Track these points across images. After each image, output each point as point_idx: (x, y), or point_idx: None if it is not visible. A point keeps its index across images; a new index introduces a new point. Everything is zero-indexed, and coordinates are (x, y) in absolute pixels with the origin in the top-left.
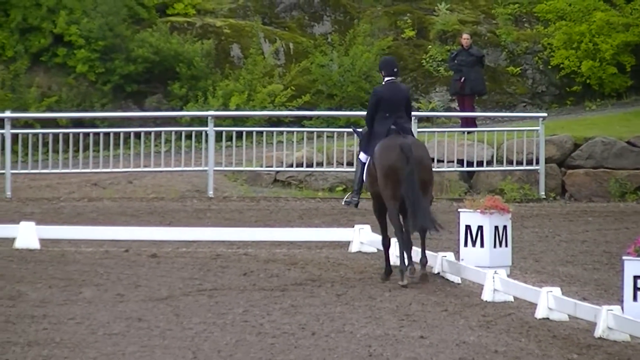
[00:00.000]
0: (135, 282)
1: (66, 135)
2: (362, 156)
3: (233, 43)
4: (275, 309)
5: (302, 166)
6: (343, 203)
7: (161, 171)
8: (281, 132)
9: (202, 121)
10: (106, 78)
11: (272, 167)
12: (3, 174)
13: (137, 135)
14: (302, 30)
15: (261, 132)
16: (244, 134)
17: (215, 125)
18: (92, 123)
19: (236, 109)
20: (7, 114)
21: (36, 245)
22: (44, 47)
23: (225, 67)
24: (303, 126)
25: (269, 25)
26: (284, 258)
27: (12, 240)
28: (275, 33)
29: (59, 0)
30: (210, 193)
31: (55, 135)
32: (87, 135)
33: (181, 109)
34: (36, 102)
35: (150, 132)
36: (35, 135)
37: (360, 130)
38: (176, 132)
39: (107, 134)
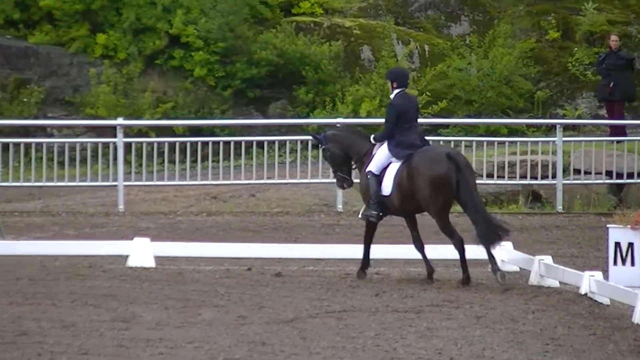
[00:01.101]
0: (259, 303)
1: (183, 144)
2: (375, 168)
3: (363, 45)
4: (409, 332)
5: None
6: (360, 216)
7: (286, 183)
8: None
9: (331, 129)
10: (226, 82)
11: None
12: (115, 186)
13: (260, 144)
14: (437, 31)
15: None
16: None
17: None
18: (211, 131)
19: (367, 116)
20: (120, 121)
21: (151, 263)
22: (158, 49)
23: (355, 71)
24: (439, 135)
25: (402, 26)
26: (419, 277)
27: (125, 257)
28: (409, 34)
29: None
30: (339, 207)
31: (172, 145)
32: (205, 144)
33: (308, 116)
34: (150, 108)
35: (274, 141)
36: (150, 144)
37: (319, 136)
38: (302, 141)
39: (227, 143)
